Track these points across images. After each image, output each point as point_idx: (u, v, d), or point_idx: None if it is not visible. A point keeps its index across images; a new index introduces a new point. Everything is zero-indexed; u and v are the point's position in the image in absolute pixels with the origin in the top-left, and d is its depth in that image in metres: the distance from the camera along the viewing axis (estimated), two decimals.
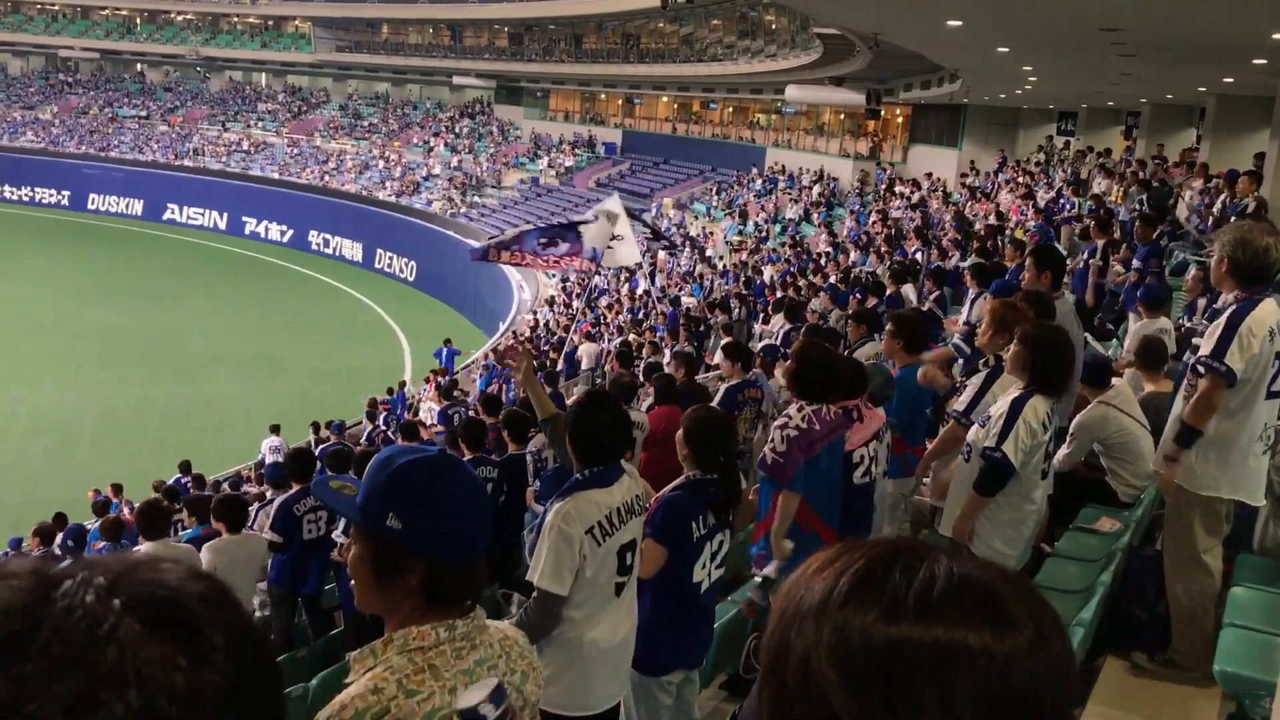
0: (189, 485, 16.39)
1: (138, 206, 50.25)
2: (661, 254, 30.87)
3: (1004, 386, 5.03)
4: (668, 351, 14.56)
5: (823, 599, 0.88)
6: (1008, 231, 17.27)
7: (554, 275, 32.72)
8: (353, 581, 1.96)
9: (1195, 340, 4.65)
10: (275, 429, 18.99)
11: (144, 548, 6.97)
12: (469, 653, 1.87)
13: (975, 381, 5.38)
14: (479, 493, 1.99)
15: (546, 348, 22.72)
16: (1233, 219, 11.18)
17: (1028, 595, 0.87)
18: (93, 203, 50.73)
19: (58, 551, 10.40)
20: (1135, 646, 4.90)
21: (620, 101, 48.80)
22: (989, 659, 0.82)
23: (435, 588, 1.87)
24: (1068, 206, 18.99)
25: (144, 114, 56.74)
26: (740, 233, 31.74)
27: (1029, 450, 4.50)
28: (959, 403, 5.34)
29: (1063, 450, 6.05)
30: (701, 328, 17.85)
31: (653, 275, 29.13)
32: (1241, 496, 4.58)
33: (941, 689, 0.82)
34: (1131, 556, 5.24)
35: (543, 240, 12.33)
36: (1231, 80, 16.73)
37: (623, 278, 30.00)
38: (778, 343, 12.09)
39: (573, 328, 21.37)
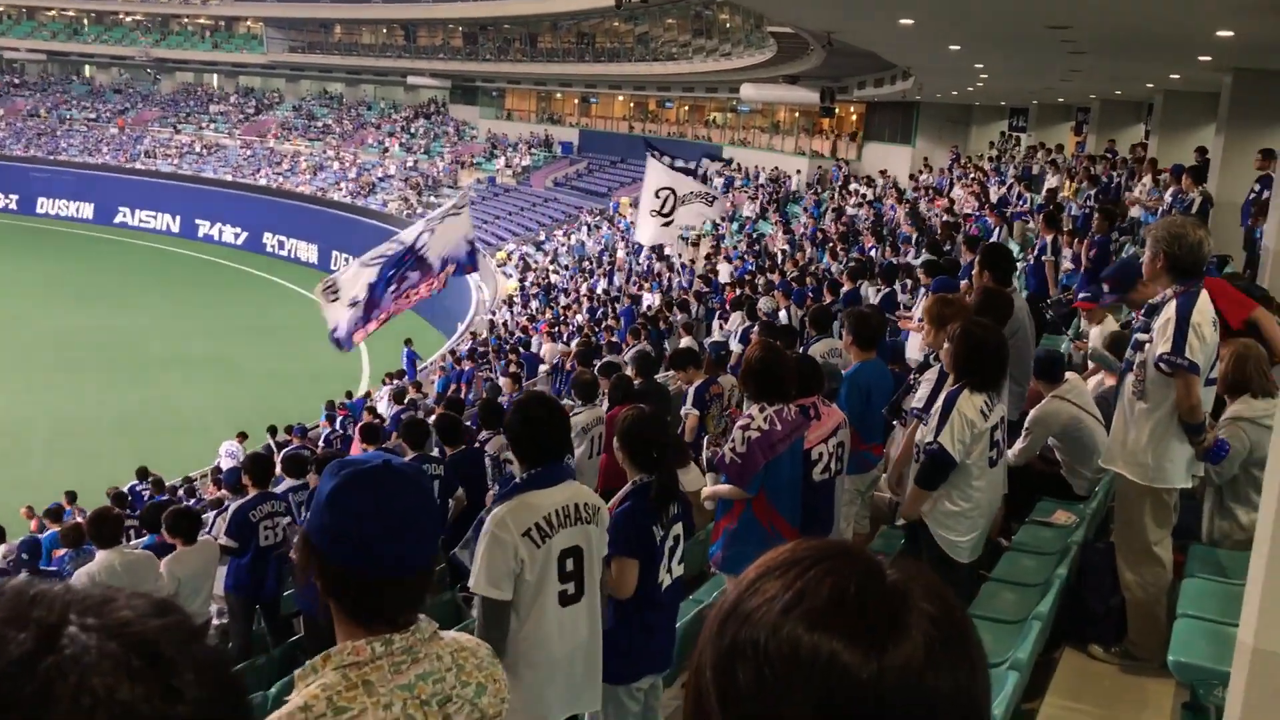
0: (145, 492, 16.20)
1: (88, 210, 49.51)
2: (620, 253, 30.84)
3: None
4: (627, 352, 14.55)
5: (735, 595, 0.90)
6: (963, 228, 17.43)
7: (511, 270, 32.66)
8: None
9: (1139, 335, 4.70)
10: (242, 436, 18.80)
11: (100, 556, 6.91)
12: (409, 667, 1.81)
13: (930, 378, 5.42)
14: (405, 509, 1.85)
15: (507, 348, 22.66)
16: (1175, 213, 11.36)
17: (938, 625, 0.85)
18: (42, 206, 49.92)
19: (5, 565, 10.22)
20: (1092, 638, 4.97)
21: (576, 101, 48.75)
22: (829, 666, 0.81)
23: (341, 597, 1.82)
24: (1020, 202, 19.20)
25: (93, 116, 55.93)
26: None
27: (969, 441, 4.53)
28: (916, 400, 5.38)
29: (1018, 444, 6.11)
30: (662, 326, 17.86)
31: (611, 274, 29.11)
32: (1182, 483, 4.68)
33: (779, 686, 0.82)
34: (1087, 549, 5.30)
35: (392, 287, 11.53)
36: (1178, 76, 16.99)
37: (580, 277, 29.98)
38: (736, 340, 12.14)
39: (532, 328, 21.32)
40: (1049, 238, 11.23)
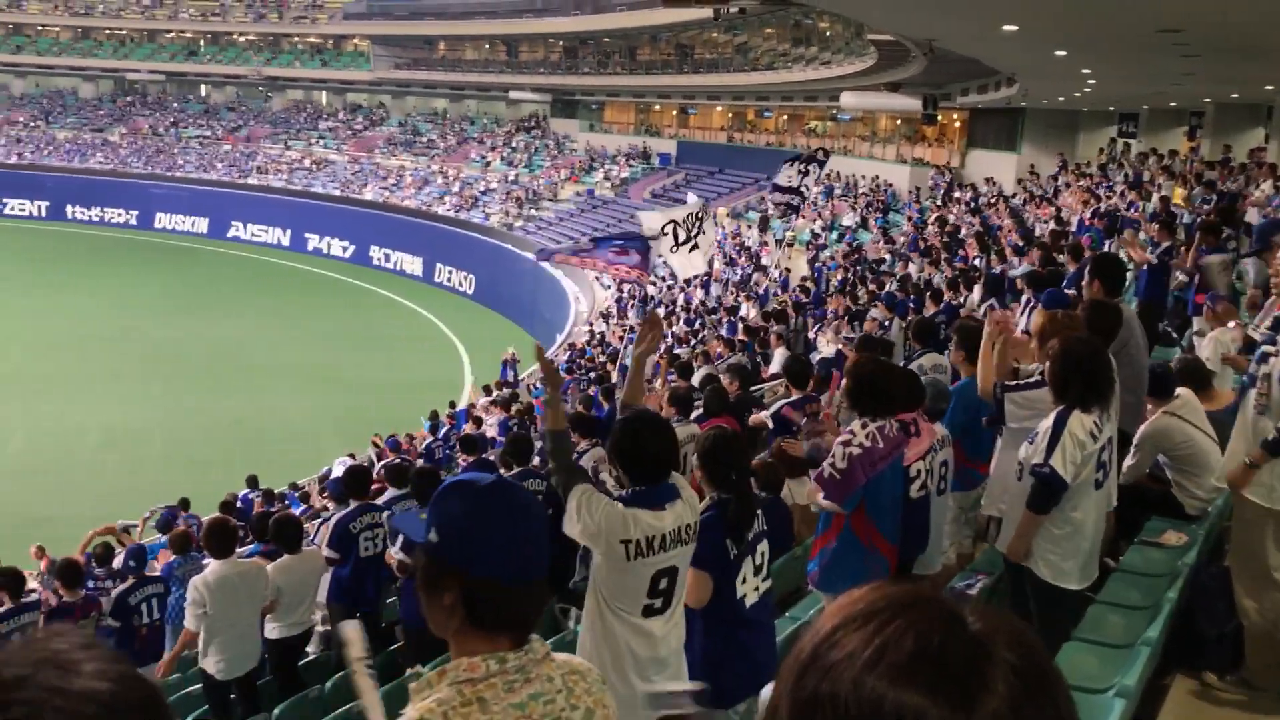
0: (255, 500, 16.62)
1: (203, 224, 51.23)
2: (717, 264, 30.75)
3: None
4: (722, 364, 14.48)
5: (812, 646, 0.89)
6: (1070, 236, 16.99)
7: (609, 279, 32.81)
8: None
9: (1266, 347, 4.49)
10: (352, 457, 19.19)
11: (213, 565, 7.13)
12: (522, 686, 1.83)
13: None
14: (527, 518, 1.93)
15: (604, 359, 22.76)
16: None
17: (1022, 675, 0.84)
18: (160, 222, 51.78)
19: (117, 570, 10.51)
20: (1205, 666, 4.77)
21: (675, 112, 48.85)
22: None
23: (473, 607, 1.85)
24: (1132, 209, 18.65)
25: (208, 133, 57.91)
26: (791, 230, 31.65)
27: (1080, 462, 4.39)
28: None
29: (1127, 461, 5.91)
30: (761, 336, 17.74)
31: (708, 285, 29.06)
32: None
33: None
34: (1199, 572, 5.10)
35: (615, 248, 12.27)
36: None
37: (678, 288, 29.99)
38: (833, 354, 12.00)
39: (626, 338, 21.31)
40: (1165, 244, 10.85)
